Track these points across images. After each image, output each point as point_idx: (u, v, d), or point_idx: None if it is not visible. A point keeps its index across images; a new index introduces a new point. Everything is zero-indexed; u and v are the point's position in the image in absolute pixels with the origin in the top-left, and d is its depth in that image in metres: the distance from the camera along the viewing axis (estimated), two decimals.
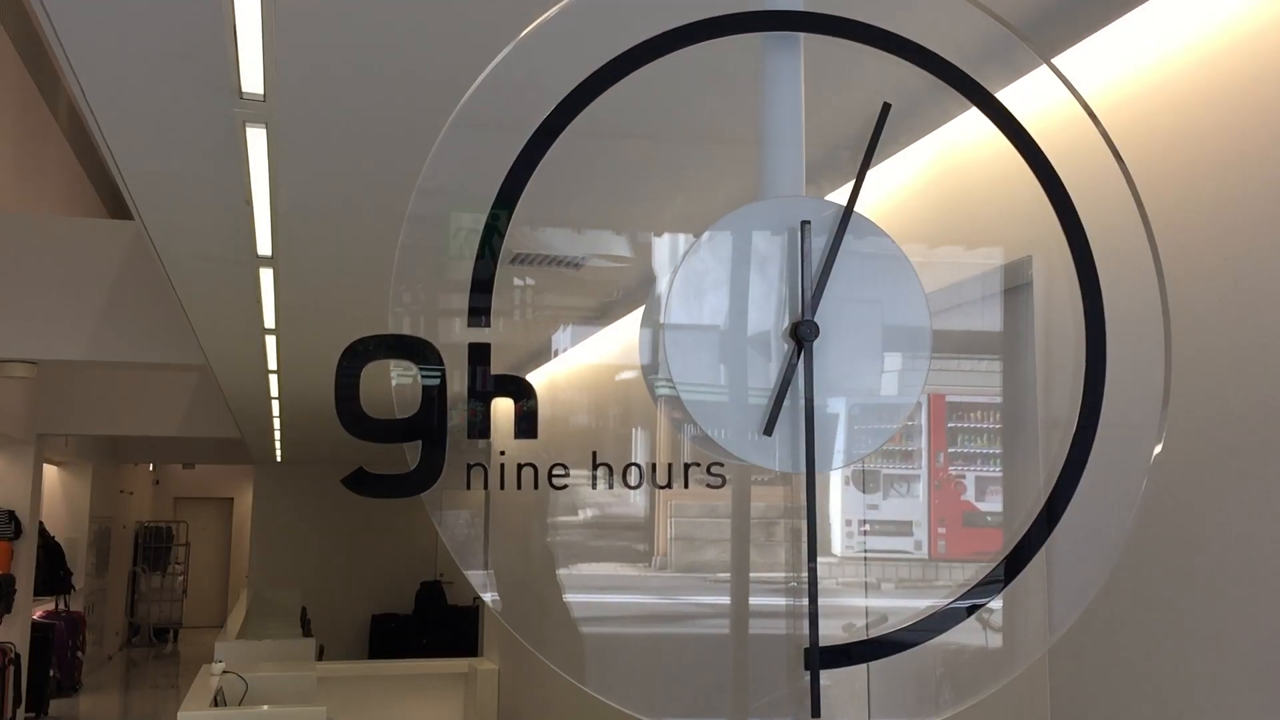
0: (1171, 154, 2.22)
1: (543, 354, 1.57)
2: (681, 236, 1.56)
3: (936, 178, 2.73)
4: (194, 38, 2.66)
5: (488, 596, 1.55)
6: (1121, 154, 1.56)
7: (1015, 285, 2.41)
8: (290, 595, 13.96)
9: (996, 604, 1.59)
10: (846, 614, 1.69)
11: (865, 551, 2.57)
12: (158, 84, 2.94)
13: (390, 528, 16.38)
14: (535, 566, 1.68)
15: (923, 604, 1.60)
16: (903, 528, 2.61)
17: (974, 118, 1.67)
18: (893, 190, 2.69)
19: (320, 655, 10.92)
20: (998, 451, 2.18)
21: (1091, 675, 2.41)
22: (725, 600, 1.70)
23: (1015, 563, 1.57)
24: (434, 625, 15.81)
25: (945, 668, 1.70)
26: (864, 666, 1.60)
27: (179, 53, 2.76)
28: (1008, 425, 2.23)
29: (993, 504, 2.27)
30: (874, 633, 1.61)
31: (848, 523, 2.48)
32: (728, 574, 1.74)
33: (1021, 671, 1.63)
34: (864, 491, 2.51)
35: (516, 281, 1.49)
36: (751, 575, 1.70)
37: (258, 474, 16.94)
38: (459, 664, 10.27)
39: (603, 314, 1.65)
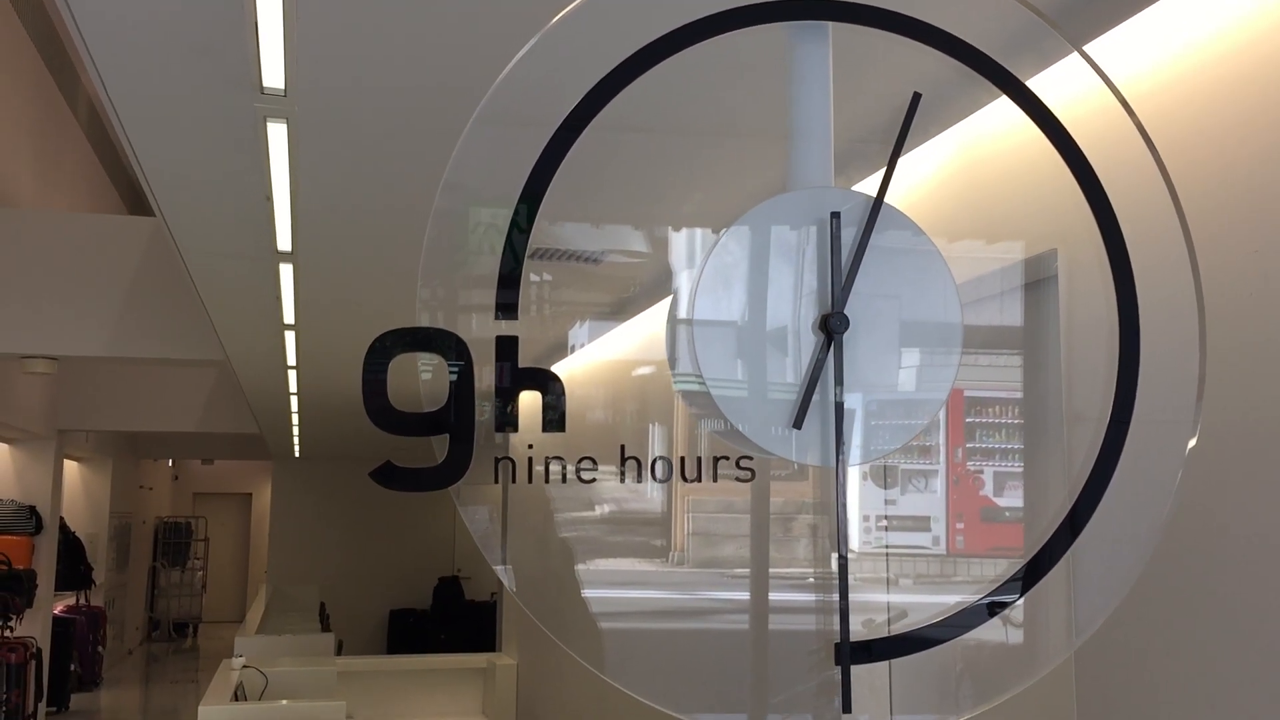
0: (1200, 144, 2.20)
1: (561, 349, 1.57)
2: (700, 231, 1.56)
3: (959, 171, 2.72)
4: (215, 32, 2.66)
5: (514, 590, 1.55)
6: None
7: (1038, 279, 2.40)
8: (309, 590, 14.01)
9: (1021, 604, 1.58)
10: (866, 610, 1.68)
11: (886, 547, 2.57)
12: (179, 78, 2.95)
13: (408, 523, 16.42)
14: (555, 561, 1.68)
15: (942, 600, 1.59)
16: (921, 523, 2.60)
17: (997, 110, 1.66)
18: (915, 183, 2.67)
19: (339, 650, 10.96)
20: (1017, 447, 2.17)
21: (1117, 671, 2.39)
22: (744, 595, 1.70)
23: (1042, 562, 1.56)
24: (452, 620, 15.84)
25: (969, 666, 1.69)
26: (884, 662, 1.59)
27: (200, 47, 2.77)
28: (1030, 421, 2.21)
29: (1012, 499, 2.26)
30: (895, 629, 1.60)
31: (865, 518, 2.48)
32: (746, 569, 1.74)
33: (1046, 673, 1.62)
34: (883, 487, 2.50)
35: (534, 277, 1.49)
36: (771, 570, 1.70)
37: (276, 469, 17.00)
38: (477, 659, 10.29)
39: (621, 309, 1.65)
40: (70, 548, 12.99)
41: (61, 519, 12.48)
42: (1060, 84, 1.67)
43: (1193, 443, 1.54)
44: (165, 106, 3.18)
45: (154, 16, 2.62)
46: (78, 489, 14.60)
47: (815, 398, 1.46)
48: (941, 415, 1.63)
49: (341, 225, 4.38)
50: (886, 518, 2.56)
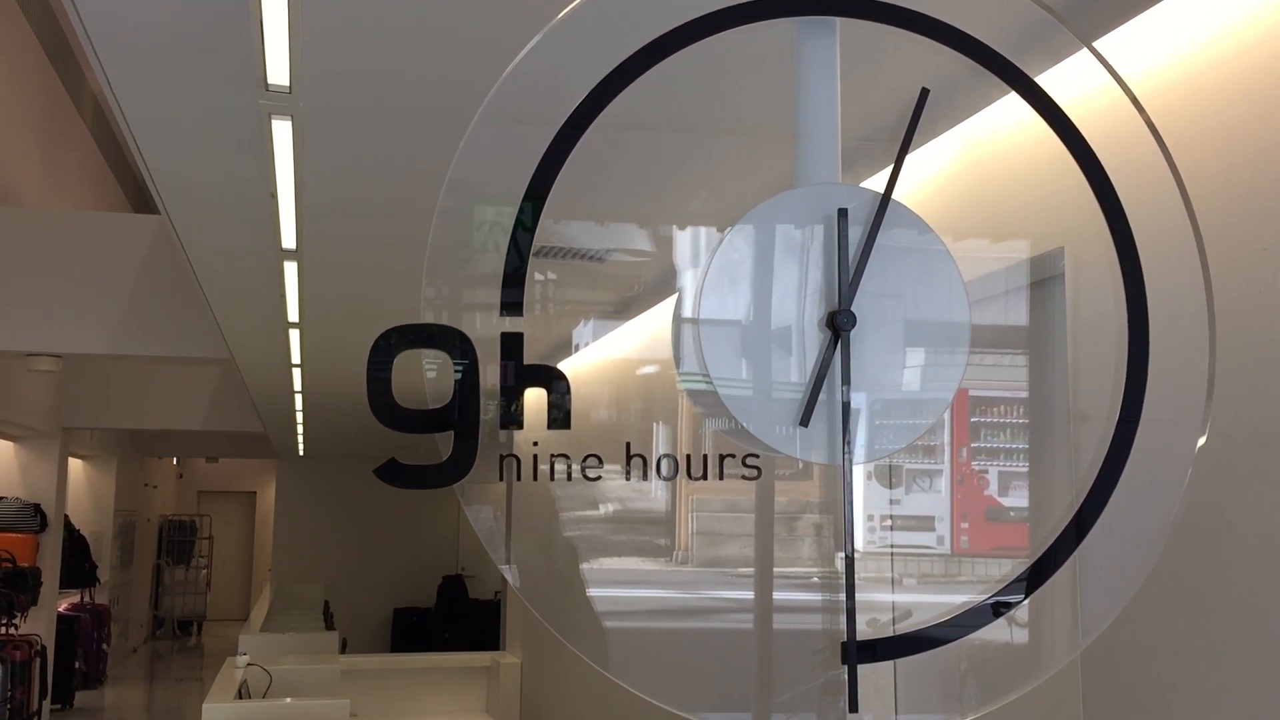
0: (1208, 141, 2.19)
1: (565, 348, 1.56)
2: (706, 229, 1.55)
3: (966, 168, 2.71)
4: (219, 30, 2.66)
5: (519, 588, 1.55)
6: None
7: (1044, 278, 2.39)
8: (313, 589, 14.01)
9: (1027, 604, 1.57)
10: (870, 609, 1.68)
11: (890, 546, 2.56)
12: (184, 77, 2.95)
13: (412, 521, 16.44)
14: (560, 560, 1.67)
15: (948, 600, 1.58)
16: (925, 522, 2.60)
17: (1006, 106, 1.65)
18: (922, 180, 2.66)
19: (343, 648, 10.96)
20: (1022, 446, 2.17)
21: (1124, 670, 2.38)
22: (748, 595, 1.70)
23: (1048, 562, 1.55)
24: (456, 619, 15.85)
25: (974, 666, 1.68)
26: (889, 662, 1.59)
27: (205, 45, 2.76)
28: (1035, 420, 2.21)
29: (1016, 499, 2.25)
30: (900, 629, 1.59)
31: (870, 517, 2.47)
32: (750, 569, 1.73)
33: (1053, 673, 1.61)
34: (888, 486, 2.50)
35: (539, 275, 1.48)
36: (776, 570, 1.69)
37: (280, 468, 17.02)
38: (481, 657, 10.29)
39: (626, 308, 1.65)
40: (75, 545, 13.01)
41: (66, 517, 12.50)
42: (1069, 80, 1.66)
43: (1202, 441, 1.53)
44: (170, 105, 3.18)
45: (159, 16, 2.62)
46: (82, 487, 14.63)
47: (821, 396, 1.45)
48: (946, 415, 1.62)
49: (346, 223, 4.38)
50: (891, 517, 2.56)
